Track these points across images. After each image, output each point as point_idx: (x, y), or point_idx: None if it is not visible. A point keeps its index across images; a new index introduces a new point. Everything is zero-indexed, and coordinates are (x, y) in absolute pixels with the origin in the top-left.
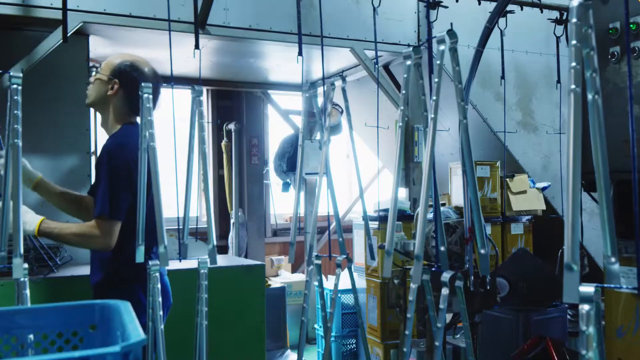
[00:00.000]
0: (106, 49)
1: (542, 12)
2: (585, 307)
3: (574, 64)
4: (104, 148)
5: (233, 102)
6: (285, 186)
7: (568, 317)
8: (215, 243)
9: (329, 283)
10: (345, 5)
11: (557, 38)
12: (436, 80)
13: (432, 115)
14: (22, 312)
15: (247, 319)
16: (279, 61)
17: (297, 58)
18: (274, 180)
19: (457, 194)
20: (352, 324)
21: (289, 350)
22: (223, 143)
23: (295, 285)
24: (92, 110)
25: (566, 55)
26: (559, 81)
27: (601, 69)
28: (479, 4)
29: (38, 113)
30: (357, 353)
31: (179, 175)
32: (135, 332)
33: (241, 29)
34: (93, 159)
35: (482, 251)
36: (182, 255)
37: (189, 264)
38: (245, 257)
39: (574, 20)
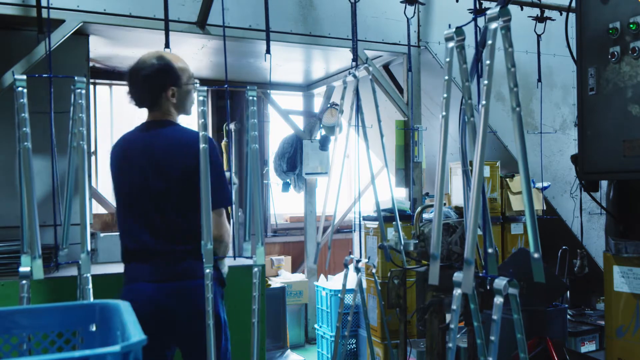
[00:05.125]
0: (106, 49)
1: (522, 9)
2: None
3: None
4: None
5: (233, 102)
6: (285, 186)
7: (568, 317)
8: (262, 241)
9: (329, 283)
10: (345, 5)
11: (538, 36)
12: (487, 62)
13: (484, 102)
14: (22, 312)
15: (247, 319)
16: (279, 61)
17: (264, 56)
18: (274, 180)
19: (457, 194)
20: (352, 324)
21: (289, 350)
22: (223, 143)
23: (295, 285)
24: (92, 110)
25: (548, 53)
26: (539, 80)
27: (601, 69)
28: (457, 1)
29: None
30: (357, 353)
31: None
32: (135, 331)
33: (241, 29)
34: (93, 159)
35: (536, 255)
36: (239, 253)
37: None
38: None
39: None
